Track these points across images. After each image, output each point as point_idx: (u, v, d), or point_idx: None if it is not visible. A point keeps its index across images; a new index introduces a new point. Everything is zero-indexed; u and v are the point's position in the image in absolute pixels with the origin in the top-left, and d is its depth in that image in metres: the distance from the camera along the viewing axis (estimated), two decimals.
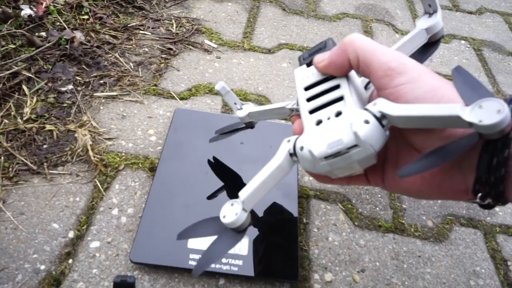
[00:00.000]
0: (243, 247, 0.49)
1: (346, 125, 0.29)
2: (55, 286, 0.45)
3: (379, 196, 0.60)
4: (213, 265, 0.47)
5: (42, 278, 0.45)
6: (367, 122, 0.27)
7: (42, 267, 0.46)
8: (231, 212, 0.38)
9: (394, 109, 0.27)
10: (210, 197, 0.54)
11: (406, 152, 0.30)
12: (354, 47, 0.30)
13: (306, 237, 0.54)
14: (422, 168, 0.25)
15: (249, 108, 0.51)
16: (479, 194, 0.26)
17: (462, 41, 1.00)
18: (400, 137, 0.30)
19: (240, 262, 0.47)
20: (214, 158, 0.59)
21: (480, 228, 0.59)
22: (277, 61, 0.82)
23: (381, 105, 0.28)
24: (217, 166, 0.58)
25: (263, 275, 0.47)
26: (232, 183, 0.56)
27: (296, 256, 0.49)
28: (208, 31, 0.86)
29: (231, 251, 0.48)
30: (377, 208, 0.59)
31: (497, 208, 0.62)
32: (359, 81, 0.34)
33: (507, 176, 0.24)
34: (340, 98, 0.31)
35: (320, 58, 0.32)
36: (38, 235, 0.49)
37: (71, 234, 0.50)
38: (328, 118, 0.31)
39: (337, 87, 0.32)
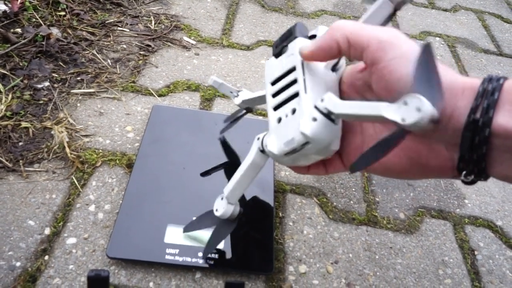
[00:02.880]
0: None
1: (297, 124, 0.30)
2: (31, 282, 0.45)
3: (353, 190, 0.62)
4: (189, 259, 0.48)
5: (18, 274, 0.45)
6: (314, 119, 0.29)
7: (18, 264, 0.46)
8: (221, 206, 0.45)
9: (336, 107, 0.28)
10: (204, 174, 0.57)
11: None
12: (343, 30, 0.30)
13: (282, 231, 0.55)
14: (368, 162, 0.27)
15: (243, 95, 0.54)
16: (463, 172, 0.27)
17: (437, 38, 1.02)
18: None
19: (216, 256, 0.48)
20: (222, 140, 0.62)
21: (450, 220, 0.61)
22: (256, 57, 0.82)
23: (327, 102, 0.29)
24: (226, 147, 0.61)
25: (238, 268, 0.48)
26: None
27: (271, 249, 0.50)
28: (186, 27, 0.86)
29: (204, 244, 0.49)
30: (351, 202, 0.60)
31: (466, 200, 0.65)
32: (322, 67, 0.34)
33: (489, 153, 0.25)
34: (296, 95, 0.32)
35: (306, 46, 0.32)
36: (14, 232, 0.49)
37: (47, 231, 0.50)
38: (286, 116, 0.32)
39: (294, 81, 0.33)
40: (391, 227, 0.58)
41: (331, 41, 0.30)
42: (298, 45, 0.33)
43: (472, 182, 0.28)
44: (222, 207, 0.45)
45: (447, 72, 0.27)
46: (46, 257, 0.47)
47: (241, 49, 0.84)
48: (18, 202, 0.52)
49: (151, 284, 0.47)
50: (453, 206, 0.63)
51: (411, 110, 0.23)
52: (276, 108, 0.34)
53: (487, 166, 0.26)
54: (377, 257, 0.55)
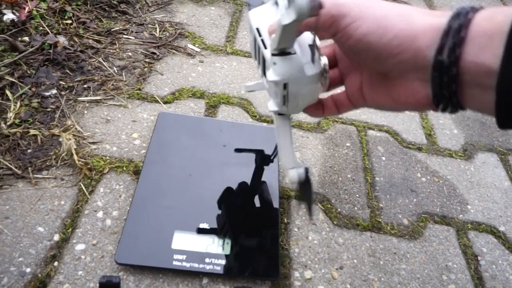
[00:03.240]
0: (226, 247, 0.50)
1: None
2: None
3: (357, 196, 0.63)
4: (196, 265, 0.48)
5: (28, 280, 0.46)
6: (274, 63, 0.33)
7: (28, 270, 0.47)
8: (289, 176, 0.43)
9: (270, 40, 0.33)
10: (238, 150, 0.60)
11: (375, 76, 0.33)
12: None
13: (287, 237, 0.56)
14: None
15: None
16: (440, 106, 0.29)
17: None
18: (365, 65, 0.33)
19: (223, 262, 0.49)
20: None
21: (453, 225, 0.62)
22: None
23: (269, 42, 0.33)
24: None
25: (245, 274, 0.49)
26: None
27: (277, 255, 0.51)
28: (191, 35, 0.87)
29: (214, 251, 0.50)
30: (355, 208, 0.61)
31: (469, 206, 0.65)
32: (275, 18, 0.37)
33: (460, 89, 0.27)
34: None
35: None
36: (24, 239, 0.50)
37: (56, 237, 0.51)
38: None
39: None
40: (395, 233, 0.59)
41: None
42: (250, 15, 0.39)
43: (452, 112, 0.30)
44: (290, 177, 0.44)
45: (401, 18, 0.28)
46: (56, 263, 0.48)
47: (244, 56, 0.85)
48: (27, 208, 0.53)
49: None
50: (456, 211, 0.64)
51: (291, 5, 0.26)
52: (263, 73, 0.37)
53: (460, 101, 0.27)
54: (381, 262, 0.55)
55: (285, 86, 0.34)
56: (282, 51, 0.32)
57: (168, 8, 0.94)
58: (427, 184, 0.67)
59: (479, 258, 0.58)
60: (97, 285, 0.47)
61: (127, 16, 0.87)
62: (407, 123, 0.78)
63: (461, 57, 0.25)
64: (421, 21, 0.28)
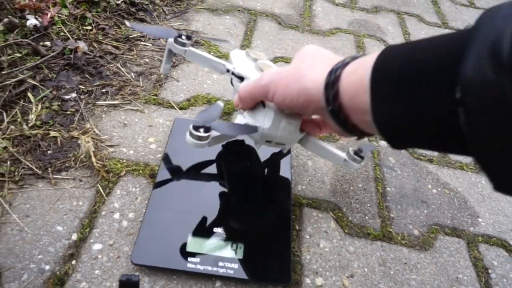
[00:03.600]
0: (239, 251, 0.51)
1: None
2: (59, 285, 0.47)
3: (368, 205, 0.64)
4: (210, 268, 0.49)
5: (47, 277, 0.47)
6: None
7: (47, 267, 0.48)
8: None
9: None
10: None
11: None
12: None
13: (299, 243, 0.56)
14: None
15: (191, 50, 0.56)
16: (353, 135, 0.37)
17: None
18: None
19: (236, 266, 0.50)
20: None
21: (464, 238, 0.62)
22: None
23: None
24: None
25: (257, 279, 0.50)
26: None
27: (289, 260, 0.52)
28: (206, 43, 0.89)
29: (227, 255, 0.50)
30: (366, 217, 0.62)
31: (479, 219, 0.66)
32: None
33: (355, 125, 0.35)
34: None
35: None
36: (43, 237, 0.51)
37: (74, 237, 0.52)
38: None
39: None
40: (406, 243, 0.60)
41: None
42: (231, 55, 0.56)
43: (361, 138, 0.39)
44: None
45: (297, 82, 0.38)
46: (74, 262, 0.49)
47: None
48: (47, 208, 0.54)
49: None
50: (466, 224, 0.64)
51: None
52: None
53: (361, 131, 0.36)
54: (392, 272, 0.56)
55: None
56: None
57: (185, 16, 0.96)
58: (438, 195, 0.68)
59: (489, 271, 0.59)
60: (114, 284, 0.48)
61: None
62: None
63: (342, 105, 0.34)
64: (310, 80, 0.37)
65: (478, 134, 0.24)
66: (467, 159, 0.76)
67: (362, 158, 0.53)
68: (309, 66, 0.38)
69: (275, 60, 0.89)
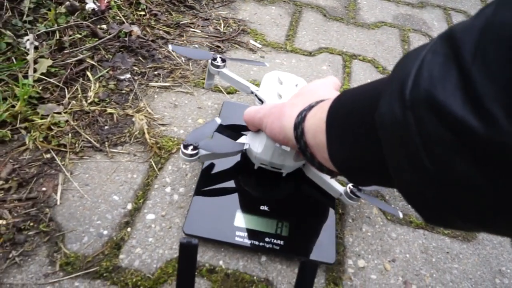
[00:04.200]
0: (285, 229, 0.53)
1: None
2: (116, 249, 0.50)
3: None
4: (256, 243, 0.51)
5: (105, 241, 0.51)
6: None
7: (105, 232, 0.52)
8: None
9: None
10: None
11: None
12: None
13: (342, 226, 0.58)
14: None
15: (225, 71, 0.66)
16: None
17: None
18: None
19: (281, 242, 0.52)
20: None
21: None
22: (318, 63, 0.86)
23: None
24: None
25: (302, 255, 0.51)
26: None
27: (333, 241, 0.53)
28: (253, 32, 0.91)
29: (273, 232, 0.52)
30: (409, 206, 0.62)
31: None
32: None
33: (319, 161, 0.38)
34: None
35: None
36: (101, 205, 0.55)
37: (129, 206, 0.55)
38: None
39: None
40: (448, 233, 0.60)
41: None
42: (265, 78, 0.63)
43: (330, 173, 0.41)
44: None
45: (278, 121, 0.44)
46: (129, 229, 0.53)
47: (303, 54, 0.88)
48: (104, 178, 0.58)
49: (220, 262, 0.51)
50: None
51: None
52: None
53: (324, 166, 0.39)
54: (433, 260, 0.56)
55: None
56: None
57: (232, 5, 0.98)
58: None
59: None
60: (167, 252, 0.51)
61: (194, 11, 0.93)
62: None
63: (307, 143, 0.38)
64: (287, 120, 0.42)
65: (395, 167, 0.26)
66: None
67: (358, 197, 0.53)
68: (291, 106, 0.43)
69: (320, 50, 0.90)
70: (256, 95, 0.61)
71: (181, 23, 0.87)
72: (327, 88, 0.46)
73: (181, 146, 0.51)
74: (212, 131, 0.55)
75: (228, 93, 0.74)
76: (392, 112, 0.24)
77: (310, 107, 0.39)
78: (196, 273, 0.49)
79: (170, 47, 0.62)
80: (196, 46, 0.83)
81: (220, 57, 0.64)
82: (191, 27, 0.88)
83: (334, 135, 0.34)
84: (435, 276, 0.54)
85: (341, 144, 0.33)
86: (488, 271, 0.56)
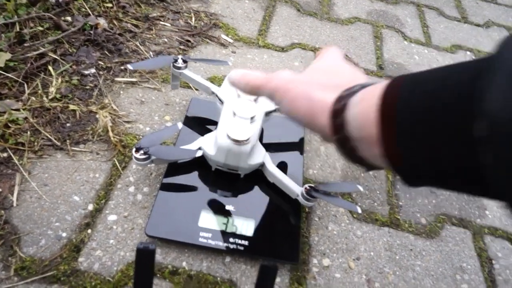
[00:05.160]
0: (249, 229, 0.53)
1: None
2: (75, 252, 0.49)
3: (377, 192, 0.64)
4: (220, 243, 0.51)
5: (64, 244, 0.49)
6: None
7: (64, 234, 0.50)
8: None
9: None
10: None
11: None
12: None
13: (308, 225, 0.58)
14: None
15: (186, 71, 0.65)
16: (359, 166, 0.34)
17: (468, 52, 1.03)
18: None
19: (245, 242, 0.51)
20: None
21: (470, 228, 0.63)
22: (290, 59, 0.85)
23: None
24: None
25: (266, 255, 0.51)
26: None
27: (298, 240, 0.53)
28: (225, 26, 0.90)
29: (237, 232, 0.52)
30: (375, 204, 0.63)
31: (487, 211, 0.66)
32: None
33: (361, 156, 0.31)
34: None
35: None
36: (60, 206, 0.53)
37: (90, 207, 0.54)
38: None
39: None
40: (412, 231, 0.60)
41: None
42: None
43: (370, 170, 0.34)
44: None
45: (305, 99, 0.35)
46: (89, 231, 0.51)
47: (276, 50, 0.87)
48: (64, 178, 0.56)
49: (183, 263, 0.50)
50: (473, 215, 0.65)
51: None
52: None
53: (366, 162, 0.32)
54: (397, 257, 0.57)
55: None
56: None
57: None
58: None
59: (493, 262, 0.59)
60: (128, 254, 0.49)
61: (164, 3, 0.90)
62: None
63: (348, 136, 0.31)
64: (318, 100, 0.34)
65: (510, 176, 0.20)
66: None
67: (315, 198, 0.53)
68: (321, 87, 0.35)
69: (292, 46, 0.89)
70: (216, 95, 0.61)
71: (150, 16, 0.85)
72: (349, 67, 0.39)
73: (133, 149, 0.50)
74: (170, 136, 0.55)
75: (197, 89, 0.73)
76: (510, 109, 0.19)
77: (353, 92, 0.32)
78: (158, 275, 0.48)
79: (129, 66, 0.60)
80: (165, 40, 0.81)
81: (181, 58, 0.63)
82: (161, 20, 0.85)
83: (404, 132, 0.27)
84: (398, 273, 0.55)
85: (404, 140, 0.27)
86: (449, 267, 0.57)
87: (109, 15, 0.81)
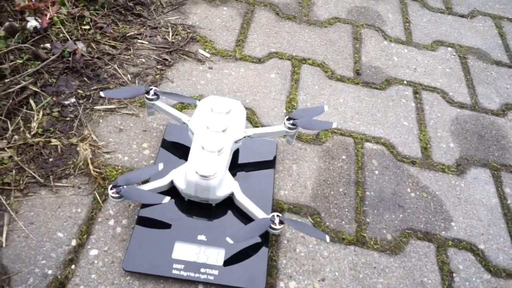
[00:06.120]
0: (220, 258, 0.57)
1: None
2: None
3: (346, 210, 0.68)
4: (192, 274, 0.55)
5: (50, 281, 0.54)
6: None
7: (50, 271, 0.55)
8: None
9: None
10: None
11: None
12: None
13: (277, 248, 0.62)
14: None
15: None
16: None
17: (449, 48, 1.04)
18: None
19: (216, 272, 0.56)
20: None
21: (434, 242, 0.67)
22: (266, 71, 0.87)
23: None
24: None
25: (234, 284, 0.56)
26: None
27: (264, 267, 0.57)
28: (202, 39, 0.91)
29: (208, 262, 0.56)
30: (343, 222, 0.66)
31: (453, 223, 0.69)
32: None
33: None
34: None
35: None
36: (46, 243, 0.58)
37: (73, 243, 0.58)
38: None
39: None
40: (377, 248, 0.64)
41: None
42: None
43: None
44: None
45: None
46: (73, 266, 0.56)
47: (252, 61, 0.88)
48: (49, 215, 0.60)
49: None
50: (439, 228, 0.68)
51: None
52: None
53: None
54: (361, 276, 0.61)
55: None
56: None
57: (182, 9, 0.97)
58: (415, 199, 0.71)
59: (454, 275, 0.63)
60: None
61: (141, 19, 0.92)
62: (404, 135, 0.81)
63: None
64: None
65: None
66: (449, 161, 0.79)
67: (282, 225, 0.56)
68: None
69: (269, 56, 0.91)
70: (187, 125, 0.63)
71: (127, 35, 0.87)
72: None
73: (109, 187, 0.55)
74: (149, 175, 0.58)
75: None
76: None
77: None
78: None
79: (101, 94, 0.63)
80: (143, 60, 0.83)
81: (154, 91, 0.65)
82: (139, 39, 0.87)
83: None
84: None
85: None
86: (410, 283, 0.61)
87: (87, 38, 0.83)
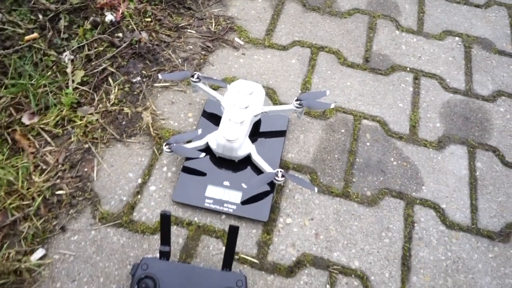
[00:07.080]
0: (238, 198, 0.81)
1: None
2: (131, 209, 0.81)
3: (338, 171, 0.89)
4: (218, 207, 0.80)
5: (124, 205, 0.81)
6: None
7: (124, 198, 0.82)
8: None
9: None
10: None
11: None
12: None
13: (280, 195, 0.85)
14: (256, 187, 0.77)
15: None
16: None
17: (457, 38, 1.17)
18: None
19: (235, 207, 0.80)
20: None
21: (404, 199, 0.86)
22: (288, 57, 1.07)
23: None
24: None
25: (246, 215, 0.80)
26: None
27: (269, 205, 0.80)
28: (239, 28, 1.12)
29: (229, 200, 0.80)
30: (334, 180, 0.88)
31: (423, 187, 0.88)
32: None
33: None
34: None
35: None
36: (121, 180, 0.84)
37: (139, 181, 0.85)
38: None
39: None
40: (358, 200, 0.85)
41: None
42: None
43: None
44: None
45: None
46: (139, 196, 0.83)
47: (278, 49, 1.09)
48: (123, 161, 0.87)
49: (195, 218, 0.80)
50: (411, 190, 0.88)
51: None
52: None
53: None
54: (341, 219, 0.83)
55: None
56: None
57: (224, 1, 1.18)
58: (396, 167, 0.91)
59: (415, 224, 0.83)
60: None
61: (191, 11, 1.14)
62: (397, 115, 0.99)
63: None
64: None
65: None
66: (432, 138, 0.96)
67: (284, 178, 0.79)
68: None
69: (293, 44, 1.10)
70: (220, 102, 0.86)
71: (179, 25, 1.10)
72: None
73: (164, 144, 0.79)
74: (190, 138, 0.82)
75: (213, 89, 0.99)
76: None
77: None
78: (179, 225, 0.79)
79: (159, 76, 0.87)
80: (191, 47, 1.06)
81: (197, 75, 0.88)
82: (188, 29, 1.10)
83: None
84: (338, 230, 0.81)
85: None
86: (378, 227, 0.82)
87: (149, 29, 1.07)
